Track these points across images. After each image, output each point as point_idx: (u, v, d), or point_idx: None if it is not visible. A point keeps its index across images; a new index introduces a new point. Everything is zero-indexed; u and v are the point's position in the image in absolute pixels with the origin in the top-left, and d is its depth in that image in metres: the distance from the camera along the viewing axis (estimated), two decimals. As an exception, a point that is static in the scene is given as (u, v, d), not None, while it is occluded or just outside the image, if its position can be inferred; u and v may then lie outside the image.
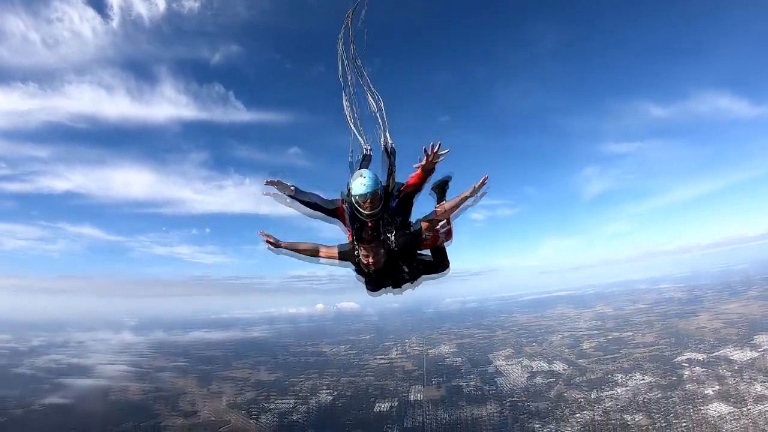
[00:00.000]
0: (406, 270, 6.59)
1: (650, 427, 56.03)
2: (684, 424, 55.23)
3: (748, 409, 56.32)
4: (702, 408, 58.92)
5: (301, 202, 6.86)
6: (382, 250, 6.33)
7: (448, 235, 7.11)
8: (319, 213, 7.01)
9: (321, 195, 6.85)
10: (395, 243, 6.47)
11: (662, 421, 56.93)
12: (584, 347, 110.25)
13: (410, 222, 6.97)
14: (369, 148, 7.38)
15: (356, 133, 7.47)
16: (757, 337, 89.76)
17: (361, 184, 6.34)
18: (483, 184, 6.89)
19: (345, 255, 6.74)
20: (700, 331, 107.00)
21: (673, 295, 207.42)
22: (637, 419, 58.99)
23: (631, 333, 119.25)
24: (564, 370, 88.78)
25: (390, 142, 7.13)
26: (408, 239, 6.58)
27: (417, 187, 6.75)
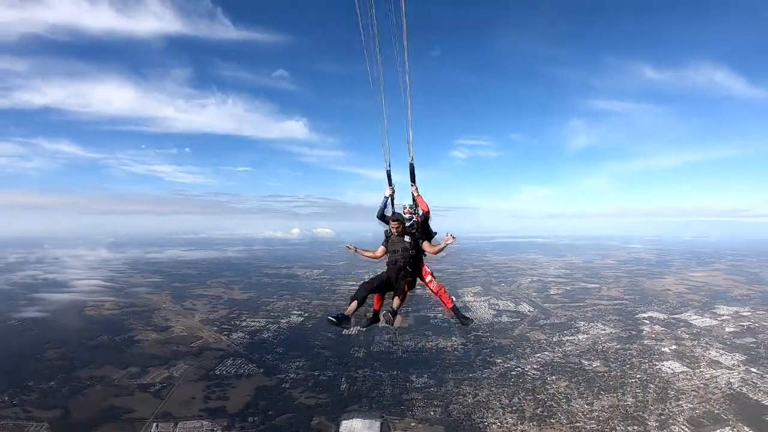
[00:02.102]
0: (410, 270, 9.12)
1: (606, 374, 57.79)
2: (638, 376, 57.01)
3: (700, 371, 58.36)
4: (657, 363, 60.85)
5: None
6: (400, 247, 9.09)
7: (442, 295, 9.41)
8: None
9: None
10: (410, 243, 9.06)
11: (618, 371, 58.69)
12: (551, 293, 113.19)
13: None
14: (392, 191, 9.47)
15: (386, 147, 8.80)
16: (718, 306, 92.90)
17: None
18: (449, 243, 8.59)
19: (385, 248, 9.32)
20: (664, 292, 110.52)
21: (643, 256, 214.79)
22: (594, 365, 60.73)
23: (597, 285, 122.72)
24: (529, 312, 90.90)
25: (411, 156, 8.87)
26: (415, 243, 9.09)
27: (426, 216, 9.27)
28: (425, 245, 9.06)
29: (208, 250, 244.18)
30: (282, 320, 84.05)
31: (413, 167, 9.08)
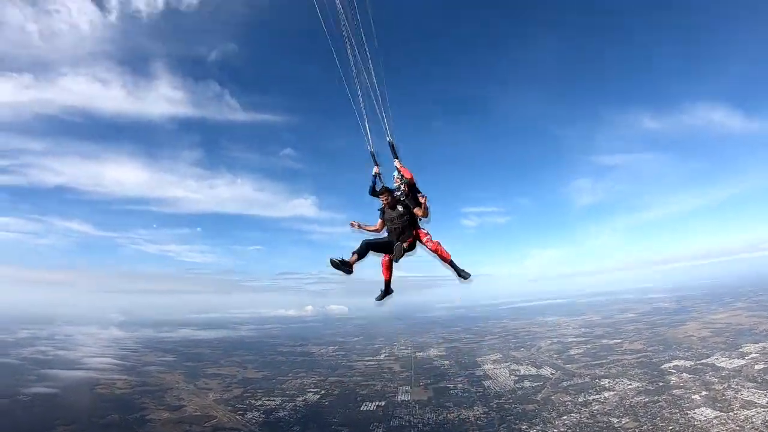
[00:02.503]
0: (408, 233, 9.93)
1: (637, 429, 55.41)
2: (671, 428, 54.68)
3: (734, 414, 55.98)
4: (689, 412, 58.46)
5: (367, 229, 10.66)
6: (395, 215, 10.03)
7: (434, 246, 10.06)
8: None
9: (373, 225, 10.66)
10: (403, 211, 10.04)
11: (649, 425, 56.33)
12: (572, 353, 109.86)
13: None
14: (374, 151, 10.61)
15: (365, 131, 10.33)
16: (744, 346, 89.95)
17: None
18: (425, 201, 10.00)
19: (383, 220, 10.32)
20: (688, 339, 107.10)
21: (662, 305, 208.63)
22: (623, 422, 58.37)
23: (619, 340, 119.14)
24: (552, 374, 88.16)
25: (390, 135, 10.26)
26: (406, 209, 10.03)
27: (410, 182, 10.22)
28: (416, 211, 9.95)
29: (221, 329, 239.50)
30: (298, 398, 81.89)
31: (392, 144, 10.30)
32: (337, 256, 9.51)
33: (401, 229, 9.92)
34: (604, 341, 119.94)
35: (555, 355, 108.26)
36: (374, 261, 10.30)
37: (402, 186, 10.19)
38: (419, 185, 10.34)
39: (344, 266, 9.55)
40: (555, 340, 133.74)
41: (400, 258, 9.85)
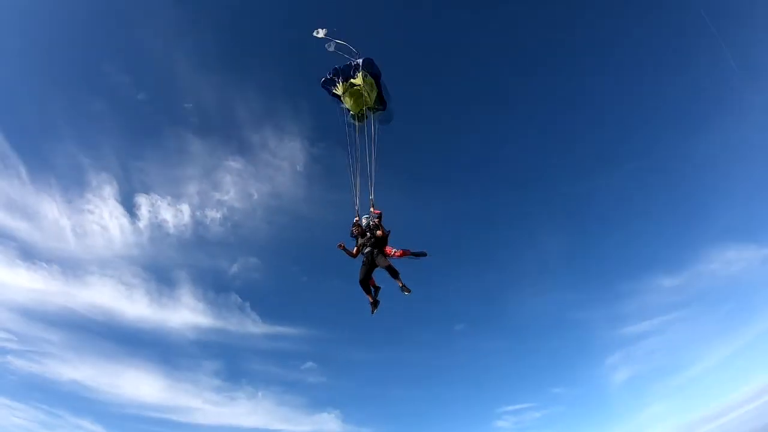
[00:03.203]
0: (376, 253, 12.00)
1: None
2: None
3: None
4: None
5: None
6: (363, 240, 12.28)
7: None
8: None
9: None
10: (371, 237, 12.24)
11: None
12: None
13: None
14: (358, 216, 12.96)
15: (355, 195, 12.97)
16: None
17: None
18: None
19: (357, 246, 12.39)
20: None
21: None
22: None
23: None
24: None
25: (371, 211, 12.80)
26: (371, 233, 12.25)
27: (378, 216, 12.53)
28: (377, 233, 12.17)
29: None
30: None
31: (371, 199, 12.78)
32: (369, 309, 12.29)
33: (369, 249, 12.20)
34: None
35: None
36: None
37: (373, 220, 12.59)
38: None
39: (376, 304, 12.22)
40: None
41: (381, 263, 11.99)
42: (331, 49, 12.56)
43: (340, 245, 12.37)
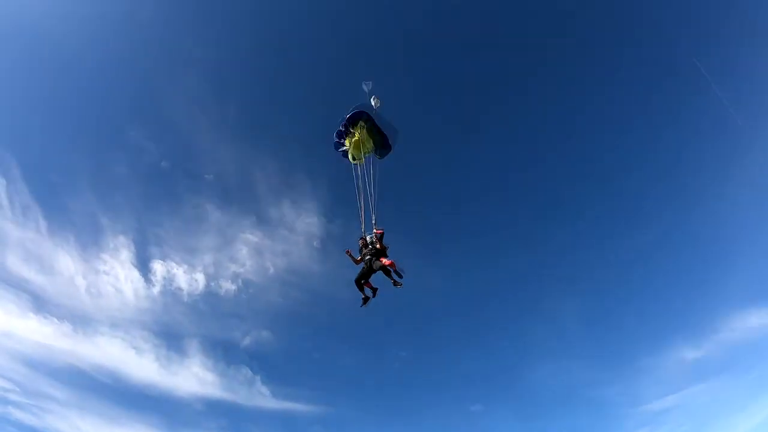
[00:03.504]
0: (374, 260, 13.29)
1: None
2: None
3: None
4: None
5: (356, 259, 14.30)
6: (366, 250, 13.78)
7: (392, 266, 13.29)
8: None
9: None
10: (372, 248, 13.71)
11: None
12: None
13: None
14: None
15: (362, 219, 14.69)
16: None
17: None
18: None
19: (362, 254, 13.93)
20: None
21: None
22: None
23: None
24: None
25: (374, 231, 14.32)
26: (372, 245, 13.85)
27: (380, 235, 14.02)
28: (378, 246, 13.74)
29: None
30: None
31: (374, 223, 14.27)
32: (359, 304, 13.62)
33: (369, 258, 13.72)
34: None
35: None
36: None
37: (374, 237, 14.21)
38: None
39: (368, 300, 13.56)
40: None
41: (376, 266, 13.37)
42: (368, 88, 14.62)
43: (348, 252, 14.15)
